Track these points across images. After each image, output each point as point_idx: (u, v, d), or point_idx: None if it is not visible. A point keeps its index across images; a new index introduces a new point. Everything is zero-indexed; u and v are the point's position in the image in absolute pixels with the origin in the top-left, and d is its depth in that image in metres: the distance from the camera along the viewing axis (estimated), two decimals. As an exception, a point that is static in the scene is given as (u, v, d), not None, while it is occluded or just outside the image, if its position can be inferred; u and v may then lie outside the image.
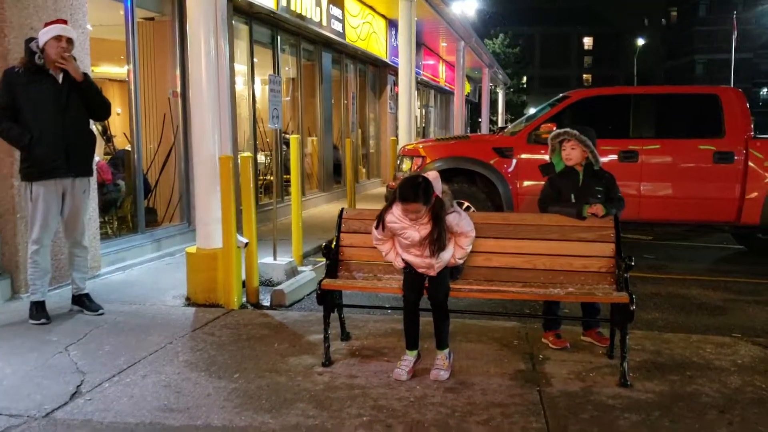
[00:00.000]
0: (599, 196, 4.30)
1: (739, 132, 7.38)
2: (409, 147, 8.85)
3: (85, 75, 4.99)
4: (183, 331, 4.74)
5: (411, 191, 3.80)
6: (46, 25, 4.90)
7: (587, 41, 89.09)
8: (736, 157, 7.33)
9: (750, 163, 7.30)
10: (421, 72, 20.92)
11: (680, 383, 3.83)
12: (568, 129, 4.36)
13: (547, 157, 4.58)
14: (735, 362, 4.19)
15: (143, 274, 6.68)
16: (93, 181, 5.71)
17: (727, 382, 3.86)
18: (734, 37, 45.23)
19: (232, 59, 9.18)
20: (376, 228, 4.02)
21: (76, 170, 4.98)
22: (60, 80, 4.86)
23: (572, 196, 4.31)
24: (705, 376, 3.95)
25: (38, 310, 4.94)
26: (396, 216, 3.92)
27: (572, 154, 4.33)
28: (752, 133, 7.53)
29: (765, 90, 74.27)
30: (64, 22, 4.98)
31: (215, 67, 5.49)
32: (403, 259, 4.01)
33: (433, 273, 3.95)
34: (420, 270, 3.96)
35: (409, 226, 3.89)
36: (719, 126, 7.44)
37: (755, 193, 7.28)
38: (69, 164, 4.90)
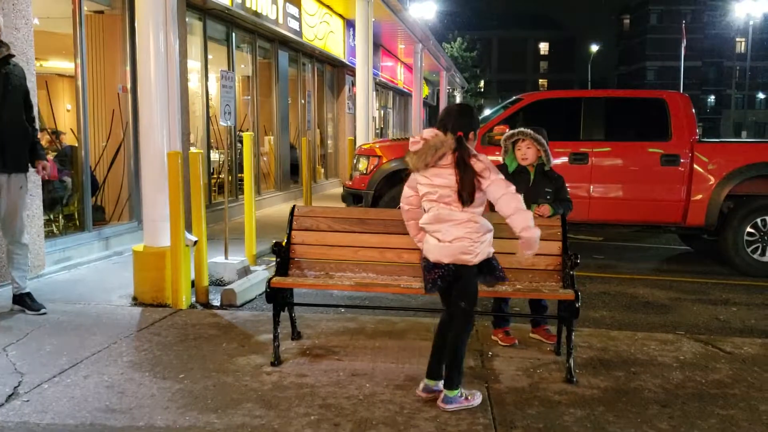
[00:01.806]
0: (548, 197, 4.38)
1: (685, 135, 7.57)
2: (365, 147, 8.85)
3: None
4: (128, 331, 4.63)
5: None
6: None
7: (543, 47, 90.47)
8: (682, 160, 7.51)
9: (695, 166, 7.49)
10: (380, 73, 20.95)
11: (624, 379, 3.90)
12: (522, 129, 4.42)
13: (501, 159, 4.63)
14: (677, 358, 4.29)
15: (90, 273, 6.51)
16: (35, 176, 5.53)
17: (670, 377, 3.95)
18: (683, 45, 46.49)
19: (185, 55, 9.04)
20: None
21: (12, 166, 4.78)
22: None
23: (522, 197, 4.35)
24: (648, 372, 4.03)
25: None
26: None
27: (528, 153, 4.40)
28: (698, 136, 7.74)
29: (713, 97, 76.54)
30: None
31: (164, 62, 5.40)
32: None
33: None
34: None
35: None
36: (666, 129, 7.61)
37: (700, 195, 7.47)
38: (4, 160, 4.71)
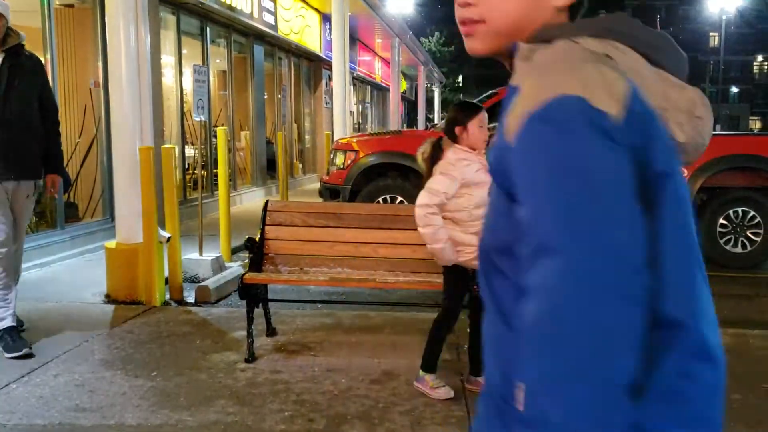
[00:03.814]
0: None
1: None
2: (342, 141, 8.80)
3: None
4: (100, 329, 4.57)
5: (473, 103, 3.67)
6: None
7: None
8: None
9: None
10: (357, 68, 20.88)
11: (599, 370, 3.92)
12: (497, 124, 4.40)
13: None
14: (651, 349, 4.32)
15: (62, 271, 6.42)
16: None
17: (643, 368, 3.98)
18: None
19: (158, 50, 8.93)
20: (434, 194, 3.37)
21: (17, 172, 4.06)
22: None
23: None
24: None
25: None
26: (462, 157, 3.42)
27: None
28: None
29: (688, 91, 77.27)
30: None
31: (135, 57, 5.32)
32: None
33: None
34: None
35: (476, 163, 3.42)
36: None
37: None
38: (6, 165, 4.00)
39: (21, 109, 4.06)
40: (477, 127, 3.42)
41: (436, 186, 3.38)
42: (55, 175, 4.35)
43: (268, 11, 12.89)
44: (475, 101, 8.57)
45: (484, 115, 3.47)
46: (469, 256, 3.36)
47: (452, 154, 3.43)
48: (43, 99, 4.24)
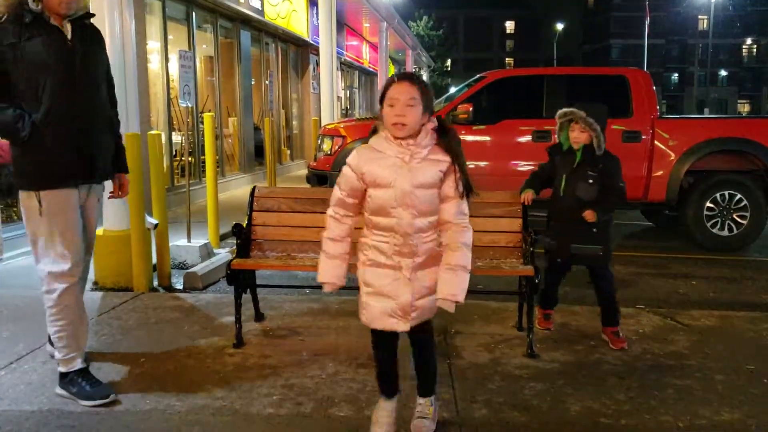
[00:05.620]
0: (591, 180, 4.00)
1: (646, 112, 7.65)
2: (329, 127, 8.78)
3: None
4: (89, 316, 4.53)
5: (406, 73, 2.78)
6: None
7: (509, 25, 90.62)
8: (643, 137, 7.60)
9: (656, 142, 7.59)
10: (344, 52, 20.78)
11: (584, 353, 3.96)
12: (574, 110, 3.98)
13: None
14: (637, 331, 4.37)
15: (49, 258, 6.39)
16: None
17: (629, 350, 4.02)
18: (647, 23, 46.95)
19: (143, 36, 8.86)
20: (338, 187, 2.70)
21: (102, 174, 3.39)
22: (69, 34, 3.17)
23: (564, 178, 4.08)
24: (608, 345, 4.09)
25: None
26: (374, 146, 2.63)
27: (580, 137, 3.98)
28: (658, 113, 7.84)
29: (676, 75, 77.58)
30: None
31: (120, 43, 5.28)
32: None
33: (410, 321, 2.68)
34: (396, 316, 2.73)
35: (392, 156, 2.59)
36: (627, 106, 7.68)
37: (661, 171, 7.57)
38: (94, 166, 3.29)
39: (99, 97, 3.33)
40: (387, 106, 2.57)
41: (338, 179, 2.72)
42: (123, 174, 3.60)
43: (255, -4, 12.79)
44: (463, 85, 8.57)
45: (398, 89, 2.55)
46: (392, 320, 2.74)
47: (371, 140, 2.68)
48: (108, 81, 3.47)
